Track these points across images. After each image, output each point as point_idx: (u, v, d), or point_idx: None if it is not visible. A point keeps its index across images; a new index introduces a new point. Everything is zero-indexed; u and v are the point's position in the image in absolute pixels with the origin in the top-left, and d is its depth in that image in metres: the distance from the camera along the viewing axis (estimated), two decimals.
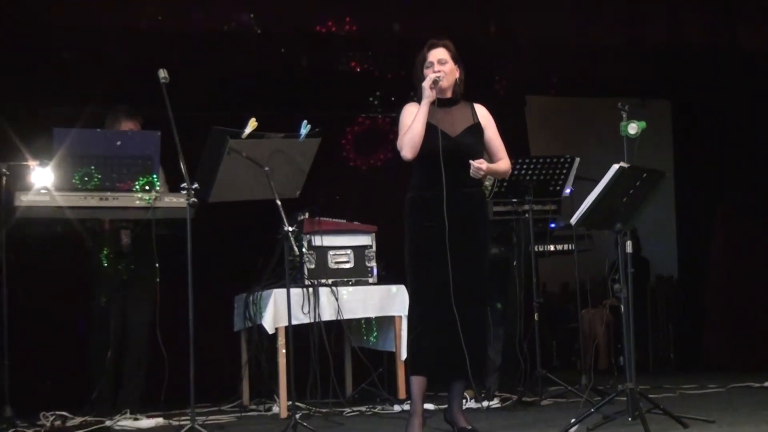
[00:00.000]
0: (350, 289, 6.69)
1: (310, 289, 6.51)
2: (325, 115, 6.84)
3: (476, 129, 5.19)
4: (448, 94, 5.17)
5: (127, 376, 6.36)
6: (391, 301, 6.71)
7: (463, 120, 5.17)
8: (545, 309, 8.35)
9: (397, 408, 6.51)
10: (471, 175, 5.02)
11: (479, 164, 5.01)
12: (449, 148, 5.04)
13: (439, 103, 5.10)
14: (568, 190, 7.05)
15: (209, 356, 6.05)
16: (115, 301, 6.26)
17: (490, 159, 5.27)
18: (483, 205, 5.30)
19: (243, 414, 6.58)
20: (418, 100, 5.14)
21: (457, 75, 5.18)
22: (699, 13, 8.09)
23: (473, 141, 5.15)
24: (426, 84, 5.03)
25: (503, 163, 5.28)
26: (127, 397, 6.30)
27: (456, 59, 5.17)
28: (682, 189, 10.45)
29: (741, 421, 5.40)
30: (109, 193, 5.88)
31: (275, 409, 6.53)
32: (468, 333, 5.00)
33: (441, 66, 5.11)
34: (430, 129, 5.05)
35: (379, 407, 6.59)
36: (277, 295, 6.33)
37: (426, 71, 5.13)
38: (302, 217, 6.71)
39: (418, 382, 5.08)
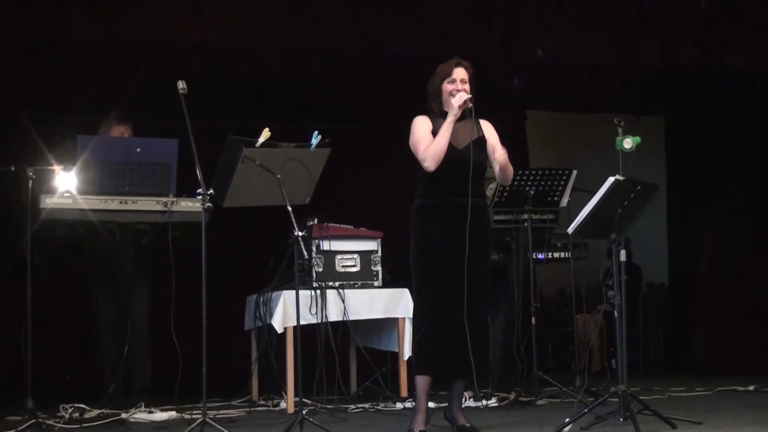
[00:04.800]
0: (356, 291, 6.68)
1: (318, 291, 6.50)
2: (335, 126, 6.81)
3: (481, 142, 5.18)
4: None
5: (134, 367, 6.35)
6: (395, 303, 6.70)
7: (469, 134, 5.14)
8: (542, 313, 8.33)
9: (399, 405, 6.49)
10: (497, 158, 5.04)
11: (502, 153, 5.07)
12: (455, 160, 5.04)
13: (446, 117, 5.08)
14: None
15: (221, 353, 6.05)
16: (121, 298, 6.29)
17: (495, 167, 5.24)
18: (486, 214, 5.28)
19: (252, 409, 6.57)
20: (430, 111, 5.16)
21: None
22: (692, 34, 8.07)
23: (478, 153, 5.13)
24: (457, 102, 5.03)
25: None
26: (138, 389, 6.30)
27: (472, 81, 5.17)
28: (674, 201, 10.45)
29: (726, 423, 5.37)
30: (128, 197, 5.89)
31: (283, 404, 6.51)
32: (471, 334, 4.99)
33: (464, 86, 5.12)
34: None
35: (382, 404, 6.56)
36: (287, 297, 6.32)
37: (447, 86, 5.13)
38: (312, 223, 6.70)
39: (422, 381, 5.07)
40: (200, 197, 5.16)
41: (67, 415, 5.85)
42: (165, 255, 5.66)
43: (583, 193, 6.38)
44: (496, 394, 6.66)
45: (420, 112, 5.25)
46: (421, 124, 5.16)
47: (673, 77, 8.89)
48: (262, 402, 6.82)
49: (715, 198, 9.72)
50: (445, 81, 5.15)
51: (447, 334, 5.03)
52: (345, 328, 6.78)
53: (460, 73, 5.15)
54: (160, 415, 5.96)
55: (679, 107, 9.96)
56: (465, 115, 5.17)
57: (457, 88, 5.11)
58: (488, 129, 5.26)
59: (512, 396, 6.54)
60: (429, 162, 5.02)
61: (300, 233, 5.31)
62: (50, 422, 5.61)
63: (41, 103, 7.42)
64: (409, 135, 5.18)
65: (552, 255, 7.32)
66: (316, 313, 6.44)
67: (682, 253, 10.48)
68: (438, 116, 5.15)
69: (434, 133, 5.09)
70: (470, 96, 5.08)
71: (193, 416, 5.60)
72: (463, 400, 5.89)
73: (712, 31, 8.07)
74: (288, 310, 6.29)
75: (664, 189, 10.03)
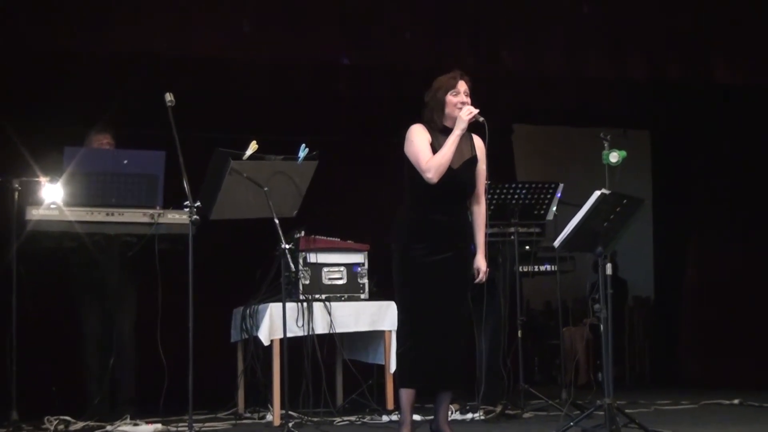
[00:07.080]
0: (343, 304, 6.67)
1: (305, 304, 6.50)
2: (323, 139, 6.82)
3: (473, 161, 5.14)
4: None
5: (119, 379, 6.34)
6: (382, 316, 6.70)
7: (464, 152, 5.10)
8: (528, 326, 8.34)
9: (385, 418, 6.48)
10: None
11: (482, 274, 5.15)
12: (447, 178, 5.00)
13: (445, 131, 5.04)
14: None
15: (207, 366, 6.02)
16: (107, 311, 6.29)
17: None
18: (470, 231, 5.25)
19: (238, 422, 6.55)
20: (427, 122, 5.10)
21: None
22: (677, 48, 8.13)
23: (469, 174, 5.12)
24: (467, 116, 4.96)
25: (483, 220, 5.23)
26: (124, 401, 6.29)
27: (471, 95, 5.14)
28: (660, 215, 10.50)
29: None
30: (115, 209, 5.89)
31: (269, 417, 6.49)
32: (454, 347, 5.01)
33: (466, 98, 5.06)
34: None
35: (368, 417, 6.56)
36: (273, 309, 6.32)
37: (452, 98, 5.05)
38: (298, 235, 6.70)
39: (407, 394, 5.07)
40: (187, 209, 5.17)
41: (52, 427, 5.83)
42: (152, 267, 5.66)
43: (570, 207, 6.40)
44: (482, 407, 6.66)
45: (412, 123, 5.14)
46: (420, 134, 5.06)
47: (658, 91, 8.95)
48: (248, 414, 6.79)
49: (700, 212, 9.77)
50: (449, 93, 5.06)
51: (430, 347, 5.01)
52: (331, 340, 6.77)
53: (463, 85, 5.09)
54: (145, 428, 5.94)
55: (665, 121, 10.01)
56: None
57: (462, 100, 5.04)
58: (480, 150, 5.17)
59: (498, 409, 6.54)
60: (432, 173, 4.95)
61: (287, 246, 5.33)
62: None
63: (27, 114, 7.40)
64: (399, 146, 5.12)
65: (538, 268, 7.34)
66: (303, 325, 6.44)
67: (667, 267, 10.52)
68: (438, 129, 5.07)
69: (433, 145, 5.01)
70: (479, 110, 5.01)
71: (179, 429, 5.61)
72: (450, 413, 5.90)
73: (697, 46, 8.13)
74: (274, 322, 6.29)
75: (650, 203, 10.13)
